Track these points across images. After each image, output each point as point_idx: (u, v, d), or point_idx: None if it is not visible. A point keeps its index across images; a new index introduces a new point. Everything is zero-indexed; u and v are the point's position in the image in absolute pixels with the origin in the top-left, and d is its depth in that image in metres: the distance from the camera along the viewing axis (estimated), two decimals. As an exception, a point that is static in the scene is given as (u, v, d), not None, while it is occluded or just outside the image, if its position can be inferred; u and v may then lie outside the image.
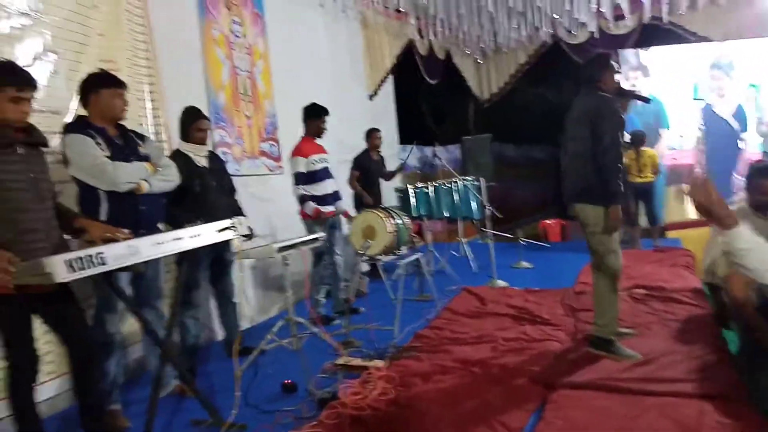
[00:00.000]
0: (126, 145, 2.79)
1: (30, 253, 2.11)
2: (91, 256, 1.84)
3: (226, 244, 3.23)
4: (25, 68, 2.33)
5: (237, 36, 4.76)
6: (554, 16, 7.96)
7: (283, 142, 5.22)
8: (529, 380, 2.79)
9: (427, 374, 2.97)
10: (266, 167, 5.08)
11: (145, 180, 2.76)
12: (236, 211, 3.59)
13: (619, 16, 8.38)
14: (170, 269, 3.61)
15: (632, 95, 3.74)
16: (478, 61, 10.02)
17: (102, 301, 2.76)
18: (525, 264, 6.13)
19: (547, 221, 9.34)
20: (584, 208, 3.14)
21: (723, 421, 2.19)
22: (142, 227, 2.71)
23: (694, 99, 7.89)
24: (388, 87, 7.73)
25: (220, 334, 4.10)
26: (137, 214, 2.74)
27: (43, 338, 2.64)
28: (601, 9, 7.84)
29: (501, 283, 5.19)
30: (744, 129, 7.81)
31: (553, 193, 14.67)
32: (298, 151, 4.30)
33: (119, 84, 2.76)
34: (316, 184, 4.30)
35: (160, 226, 2.92)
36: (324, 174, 4.37)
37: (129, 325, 3.21)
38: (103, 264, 1.89)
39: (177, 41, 4.09)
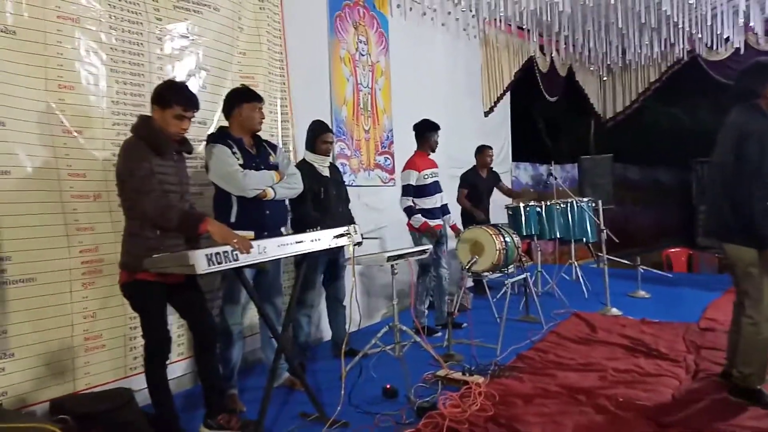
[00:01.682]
0: (258, 155, 3.07)
1: (171, 246, 2.42)
2: (227, 252, 2.08)
3: (340, 249, 3.43)
4: (192, 91, 2.65)
5: (362, 54, 5.03)
6: (693, 31, 7.41)
7: (397, 155, 5.40)
8: (640, 415, 2.64)
9: (528, 396, 2.92)
10: (379, 179, 5.28)
11: (271, 187, 3.02)
12: (350, 219, 3.79)
13: (770, 31, 7.63)
14: (287, 270, 3.90)
15: None
16: (603, 78, 9.60)
17: (227, 294, 3.06)
18: (642, 293, 5.74)
19: (672, 249, 8.65)
20: (731, 247, 2.80)
21: None
22: (267, 230, 2.98)
23: None
24: (505, 104, 7.66)
25: (327, 334, 4.32)
26: (263, 217, 3.01)
27: (175, 323, 2.98)
28: (750, 23, 7.17)
29: (615, 311, 4.92)
30: None
31: (680, 220, 13.60)
32: (411, 165, 4.44)
33: (258, 98, 3.06)
34: (425, 198, 4.40)
35: (283, 229, 3.18)
36: (434, 188, 4.46)
37: (248, 318, 3.51)
38: (236, 260, 2.11)
39: (308, 59, 4.43)
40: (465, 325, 4.50)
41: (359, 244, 2.90)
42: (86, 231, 2.88)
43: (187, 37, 3.39)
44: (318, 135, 3.71)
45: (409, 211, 4.38)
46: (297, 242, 2.42)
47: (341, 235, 2.68)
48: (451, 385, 3.18)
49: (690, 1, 6.30)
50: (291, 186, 3.16)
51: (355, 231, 2.78)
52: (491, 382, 3.18)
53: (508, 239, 4.03)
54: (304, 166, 3.58)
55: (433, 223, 4.37)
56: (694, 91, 10.53)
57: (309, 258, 2.71)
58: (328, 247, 2.59)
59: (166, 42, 3.29)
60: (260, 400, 2.63)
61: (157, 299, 2.52)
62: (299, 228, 3.17)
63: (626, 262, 6.10)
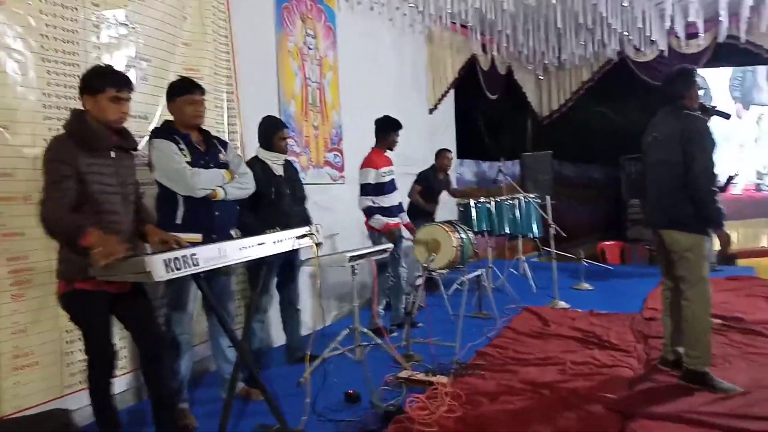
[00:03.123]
0: (208, 152, 2.88)
1: None
2: (186, 257, 1.91)
3: (295, 251, 3.29)
4: (121, 71, 2.44)
5: (310, 48, 4.88)
6: (624, 33, 7.75)
7: (347, 152, 5.29)
8: (605, 408, 2.68)
9: (494, 394, 2.91)
10: (329, 177, 5.15)
11: (221, 187, 2.84)
12: (306, 219, 3.65)
13: (691, 35, 8.10)
14: (236, 272, 3.70)
15: (714, 112, 3.43)
16: (540, 77, 9.89)
17: (174, 301, 2.85)
18: (586, 285, 5.95)
19: (606, 243, 9.05)
20: (673, 234, 3.00)
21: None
22: (215, 232, 2.80)
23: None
24: (449, 101, 7.71)
25: (279, 339, 4.16)
26: (212, 219, 2.82)
27: (117, 334, 2.75)
28: (674, 26, 7.59)
29: (563, 304, 5.06)
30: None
31: (612, 214, 14.29)
32: (369, 163, 4.34)
33: (192, 90, 2.81)
34: (384, 196, 4.32)
35: (233, 232, 3.00)
36: (391, 186, 4.40)
37: (195, 326, 3.30)
38: (197, 265, 1.94)
39: (255, 52, 4.23)
40: (421, 324, 4.46)
41: (320, 245, 2.78)
42: (14, 237, 2.59)
43: (127, 24, 3.12)
44: (275, 132, 3.55)
45: (369, 212, 4.28)
46: (259, 244, 2.27)
47: (304, 236, 2.54)
48: (415, 387, 3.12)
49: (624, 4, 6.58)
50: (242, 186, 2.99)
51: (318, 231, 2.65)
52: (455, 381, 3.14)
53: (463, 236, 4.03)
54: (256, 165, 3.41)
55: (392, 221, 4.30)
56: (623, 91, 11.07)
57: (268, 261, 2.56)
58: (291, 248, 2.45)
59: (103, 29, 3.01)
60: (213, 413, 2.48)
61: (100, 310, 2.30)
62: (247, 231, 3.00)
63: (572, 255, 6.30)
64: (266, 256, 2.35)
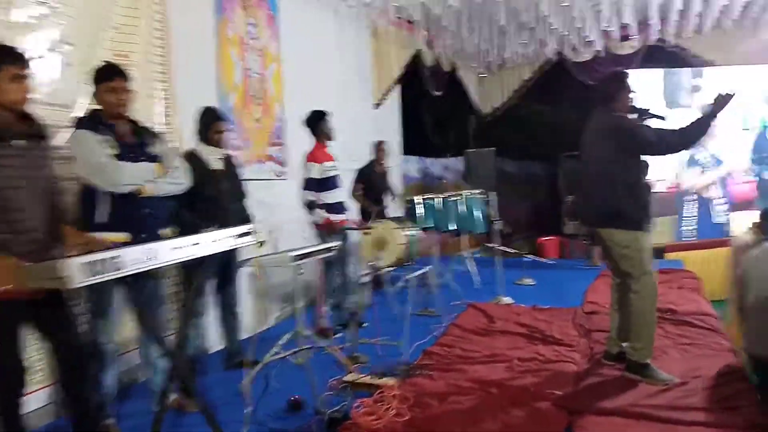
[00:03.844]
0: (136, 144, 2.67)
1: (28, 255, 1.98)
2: (107, 260, 1.71)
3: (233, 251, 3.11)
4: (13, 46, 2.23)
5: (252, 37, 4.66)
6: (564, 33, 7.94)
7: (290, 147, 5.11)
8: (552, 404, 2.68)
9: (442, 395, 2.86)
10: (272, 172, 4.96)
11: (151, 182, 2.64)
12: (246, 217, 3.47)
13: (624, 37, 8.41)
14: (168, 274, 3.46)
15: (648, 114, 3.50)
16: (482, 75, 10.01)
17: (96, 307, 2.62)
18: (528, 280, 6.04)
19: (545, 238, 9.27)
20: (610, 231, 3.06)
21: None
22: (145, 231, 2.59)
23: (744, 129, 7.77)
24: (394, 96, 7.66)
25: (217, 344, 3.95)
26: (140, 217, 2.62)
27: (34, 346, 2.50)
28: (609, 28, 7.85)
29: (507, 299, 5.10)
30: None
31: (550, 210, 14.69)
32: (311, 157, 4.21)
33: (111, 77, 2.58)
34: (327, 192, 4.20)
35: (166, 231, 2.80)
36: (335, 182, 4.28)
37: (122, 333, 3.06)
38: (120, 269, 1.75)
39: (191, 39, 3.98)
40: (366, 323, 4.36)
41: (262, 243, 2.63)
42: None
43: (47, 3, 2.83)
44: (211, 124, 3.34)
45: (311, 206, 4.14)
46: (193, 244, 2.09)
47: (244, 235, 2.38)
48: (361, 390, 3.02)
49: (564, 3, 6.72)
50: (175, 181, 2.78)
51: (259, 229, 2.49)
52: (403, 383, 3.07)
53: (411, 233, 3.96)
54: (191, 159, 3.20)
55: (337, 218, 4.18)
56: (560, 90, 11.37)
57: (204, 262, 2.38)
58: (231, 247, 2.29)
59: (18, 7, 2.72)
60: (142, 427, 2.28)
61: (7, 320, 2.07)
62: (184, 229, 2.80)
63: (515, 251, 6.39)
64: (202, 257, 2.17)
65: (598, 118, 3.21)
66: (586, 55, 8.90)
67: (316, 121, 4.30)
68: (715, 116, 2.94)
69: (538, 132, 14.30)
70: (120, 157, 2.53)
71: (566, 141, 12.94)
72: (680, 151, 3.21)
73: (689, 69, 7.97)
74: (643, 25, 8.07)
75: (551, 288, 5.83)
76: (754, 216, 3.71)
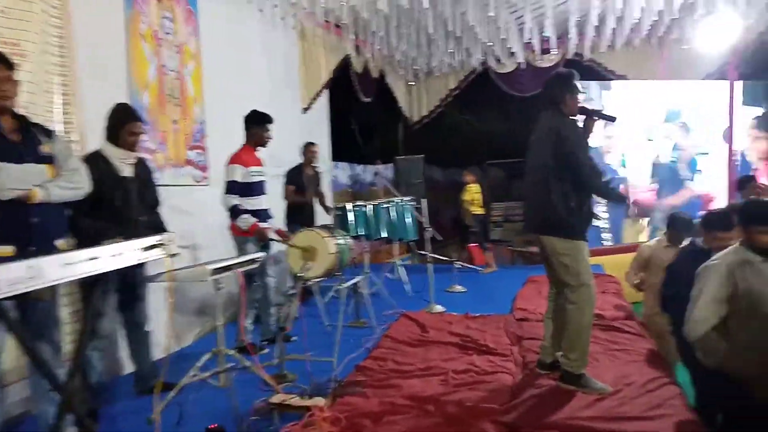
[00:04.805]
0: (23, 142, 2.33)
1: None
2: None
3: (140, 265, 2.80)
4: None
5: (167, 32, 4.31)
6: (489, 43, 8.10)
7: (212, 151, 4.79)
8: (489, 421, 2.57)
9: (377, 414, 2.68)
10: (192, 178, 4.62)
11: (40, 186, 2.31)
12: (158, 227, 3.14)
13: (545, 50, 8.70)
14: (67, 291, 3.07)
15: (599, 115, 3.26)
16: (410, 83, 10.03)
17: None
18: (459, 288, 6.02)
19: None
20: (550, 239, 3.00)
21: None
22: (34, 244, 2.26)
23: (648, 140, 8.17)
24: (323, 101, 7.46)
25: (125, 367, 3.58)
26: (27, 227, 2.29)
27: None
28: (531, 41, 8.09)
29: (438, 307, 5.03)
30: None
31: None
32: (237, 159, 3.92)
33: None
34: (252, 198, 3.94)
35: (59, 242, 2.45)
36: (260, 188, 4.03)
37: (9, 361, 2.65)
38: (-5, 290, 1.45)
39: (97, 30, 3.61)
40: (295, 338, 4.13)
41: (175, 256, 2.34)
42: None
43: None
44: (124, 124, 2.99)
45: (235, 211, 3.85)
46: (91, 259, 1.80)
47: (153, 247, 2.10)
48: (289, 413, 2.79)
49: (490, 14, 6.82)
50: (71, 185, 2.46)
51: (171, 241, 2.21)
52: (334, 403, 2.87)
53: (341, 241, 3.78)
54: (97, 161, 2.85)
55: (261, 225, 3.92)
56: (485, 100, 11.64)
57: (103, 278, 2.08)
58: (137, 262, 2.01)
59: None
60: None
61: None
62: (83, 241, 2.47)
63: (446, 258, 6.36)
64: (102, 273, 1.88)
65: (543, 121, 3.11)
66: (509, 67, 9.13)
67: (256, 124, 4.04)
68: (623, 201, 3.09)
69: (465, 140, 14.63)
70: (2, 157, 2.18)
71: (491, 149, 13.36)
72: (590, 191, 3.03)
73: (596, 82, 8.34)
74: (562, 39, 8.39)
75: (481, 295, 5.84)
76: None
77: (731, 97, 8.08)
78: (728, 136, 8.14)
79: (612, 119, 3.30)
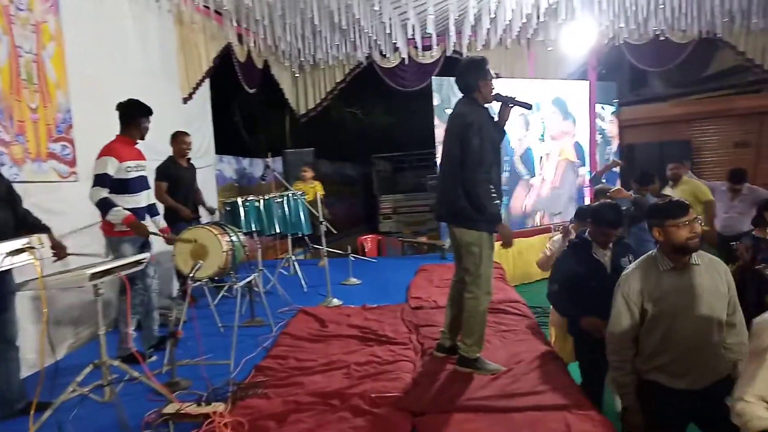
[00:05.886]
0: None
1: None
2: None
3: (6, 272, 2.46)
4: None
5: (19, 8, 3.79)
6: (374, 37, 8.18)
7: (80, 143, 4.32)
8: (395, 409, 2.61)
9: (281, 414, 2.60)
10: (56, 173, 4.13)
11: None
12: (18, 226, 2.77)
13: (427, 46, 8.99)
14: None
15: (514, 102, 3.13)
16: (296, 74, 9.84)
17: None
18: (354, 280, 6.04)
19: (364, 237, 9.50)
20: (458, 229, 3.05)
21: (588, 429, 2.29)
22: None
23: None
24: (205, 91, 7.05)
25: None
26: None
27: None
28: (414, 37, 8.30)
29: (336, 301, 5.00)
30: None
31: (366, 210, 15.21)
32: (110, 151, 3.54)
33: None
34: (127, 195, 3.59)
35: None
36: (139, 184, 3.69)
37: None
38: None
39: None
40: (181, 335, 3.86)
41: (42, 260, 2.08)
42: None
43: None
44: None
45: (105, 205, 3.48)
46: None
47: (19, 251, 1.84)
48: (186, 422, 2.61)
49: (375, 8, 6.89)
50: None
51: (42, 243, 1.96)
52: (234, 407, 2.73)
53: (234, 238, 3.60)
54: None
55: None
56: (371, 94, 11.78)
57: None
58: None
59: None
60: None
61: None
62: None
63: (340, 252, 6.35)
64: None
65: (455, 110, 3.07)
66: (393, 62, 9.30)
67: (133, 114, 3.67)
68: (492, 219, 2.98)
69: (352, 134, 14.73)
70: None
71: (379, 143, 13.59)
72: (468, 186, 2.92)
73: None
74: (442, 36, 8.71)
75: (376, 286, 5.90)
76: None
77: (591, 95, 8.94)
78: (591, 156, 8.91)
79: (528, 106, 3.16)
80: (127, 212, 3.52)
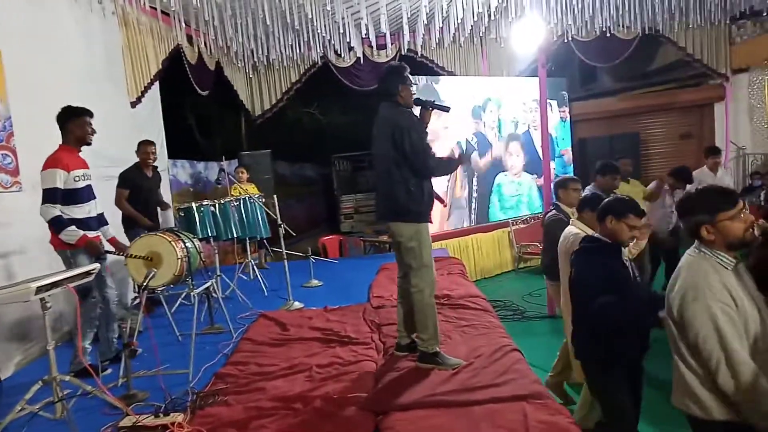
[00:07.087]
0: None
1: None
2: None
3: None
4: None
5: (-50, 10, 3.62)
6: (327, 37, 8.15)
7: (22, 152, 4.15)
8: (358, 409, 2.62)
9: (243, 421, 2.57)
10: (-2, 183, 3.96)
11: None
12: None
13: (381, 46, 9.01)
14: None
15: (433, 105, 3.31)
16: (249, 75, 9.71)
17: None
18: (315, 282, 6.01)
19: (325, 238, 9.46)
20: (398, 225, 3.13)
21: (544, 419, 2.35)
22: None
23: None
24: (154, 95, 6.86)
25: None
26: None
27: None
28: (368, 36, 8.31)
29: (297, 304, 4.96)
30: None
31: (326, 210, 15.13)
32: (55, 162, 3.39)
33: None
34: (77, 206, 3.47)
35: None
36: (87, 194, 3.57)
37: None
38: None
39: None
40: (141, 350, 3.77)
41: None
42: None
43: None
44: None
45: (58, 223, 3.37)
46: None
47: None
48: (144, 435, 2.55)
49: (327, 8, 6.85)
50: None
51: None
52: (194, 416, 2.69)
53: (188, 244, 3.53)
54: None
55: (90, 235, 3.48)
56: (327, 94, 11.69)
57: None
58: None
59: None
60: None
61: None
62: None
63: (300, 254, 6.30)
64: None
65: (381, 113, 3.22)
66: (347, 61, 9.29)
67: (68, 119, 3.53)
68: (459, 165, 3.30)
69: (310, 134, 14.62)
70: None
71: (337, 143, 13.53)
72: (427, 174, 3.14)
73: (425, 77, 8.86)
74: (396, 35, 8.76)
75: (338, 287, 5.89)
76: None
77: (542, 91, 9.16)
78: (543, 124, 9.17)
79: (446, 109, 3.41)
80: (81, 233, 3.43)
